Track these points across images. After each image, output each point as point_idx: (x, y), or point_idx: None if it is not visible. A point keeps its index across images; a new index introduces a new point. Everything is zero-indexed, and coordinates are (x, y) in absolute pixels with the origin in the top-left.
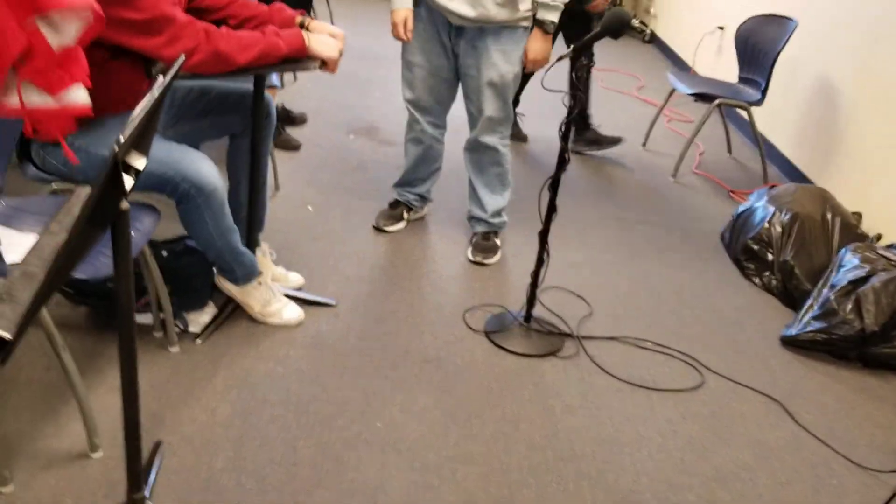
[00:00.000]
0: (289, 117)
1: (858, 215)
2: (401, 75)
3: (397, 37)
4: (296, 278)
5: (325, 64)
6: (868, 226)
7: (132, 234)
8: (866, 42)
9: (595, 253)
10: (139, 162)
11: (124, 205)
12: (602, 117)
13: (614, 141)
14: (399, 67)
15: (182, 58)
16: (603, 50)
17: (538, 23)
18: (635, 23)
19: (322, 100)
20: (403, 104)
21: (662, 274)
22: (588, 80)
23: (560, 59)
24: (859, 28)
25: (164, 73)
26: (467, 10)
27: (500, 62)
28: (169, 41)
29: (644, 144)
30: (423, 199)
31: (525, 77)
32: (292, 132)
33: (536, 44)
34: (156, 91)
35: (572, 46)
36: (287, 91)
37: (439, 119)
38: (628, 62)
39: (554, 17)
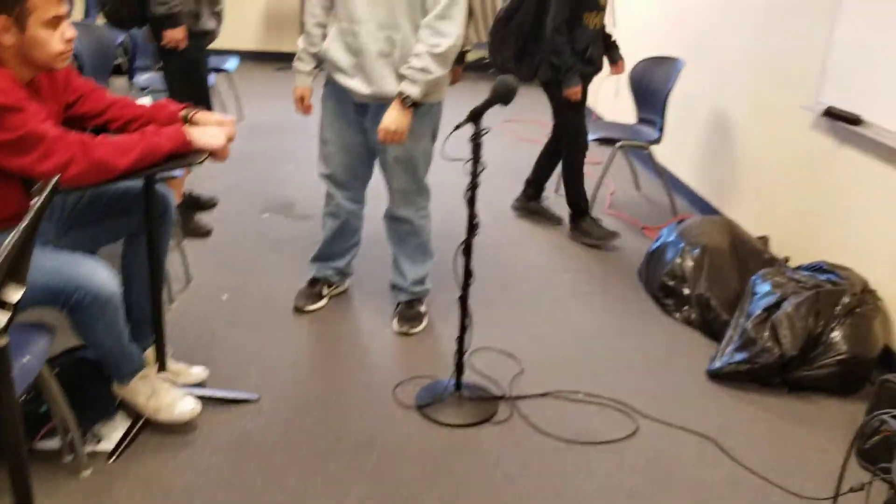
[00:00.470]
0: (197, 203)
1: (765, 239)
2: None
3: (298, 112)
4: (198, 372)
5: (214, 154)
6: (776, 248)
7: (27, 359)
8: (758, 75)
9: (520, 307)
10: (15, 293)
11: (2, 341)
12: (514, 165)
13: (554, 220)
14: (312, 138)
15: (57, 175)
16: (516, 101)
17: (399, 93)
18: None
19: (233, 179)
20: (318, 175)
21: (587, 320)
22: (577, 161)
23: (457, 127)
24: (750, 63)
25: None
26: (362, 88)
27: (410, 136)
28: (41, 157)
29: (557, 190)
30: (343, 273)
31: (550, 158)
32: (202, 217)
33: (392, 113)
34: (29, 214)
35: (468, 113)
36: (194, 175)
37: (357, 194)
38: (536, 111)
39: (415, 91)
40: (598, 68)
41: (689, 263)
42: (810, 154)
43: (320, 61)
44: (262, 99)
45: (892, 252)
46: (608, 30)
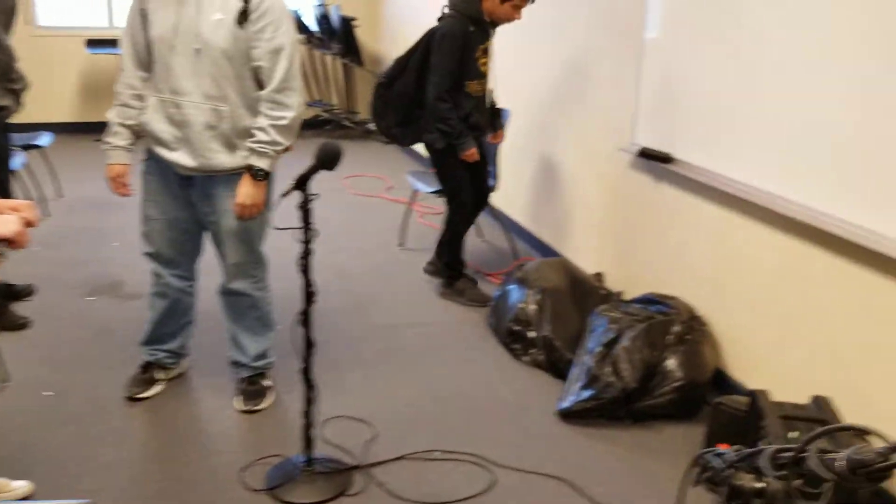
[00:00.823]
0: (11, 292)
1: (600, 276)
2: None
3: (116, 193)
4: (21, 486)
5: (10, 242)
6: (611, 283)
7: None
8: (579, 121)
9: (370, 368)
10: None
11: None
12: (355, 221)
13: (470, 284)
14: (135, 210)
15: None
16: (348, 157)
17: (249, 168)
18: (373, 126)
19: (52, 263)
20: (143, 255)
21: (440, 374)
22: (458, 223)
23: (284, 195)
24: (572, 110)
25: None
26: (188, 161)
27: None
28: None
29: (401, 244)
30: (178, 355)
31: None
32: (18, 308)
33: (245, 188)
34: None
35: (294, 181)
36: (9, 261)
37: (186, 271)
38: (373, 165)
39: (265, 164)
40: (483, 132)
41: (532, 307)
42: (631, 192)
43: (137, 135)
44: (81, 173)
45: (711, 278)
46: (493, 97)
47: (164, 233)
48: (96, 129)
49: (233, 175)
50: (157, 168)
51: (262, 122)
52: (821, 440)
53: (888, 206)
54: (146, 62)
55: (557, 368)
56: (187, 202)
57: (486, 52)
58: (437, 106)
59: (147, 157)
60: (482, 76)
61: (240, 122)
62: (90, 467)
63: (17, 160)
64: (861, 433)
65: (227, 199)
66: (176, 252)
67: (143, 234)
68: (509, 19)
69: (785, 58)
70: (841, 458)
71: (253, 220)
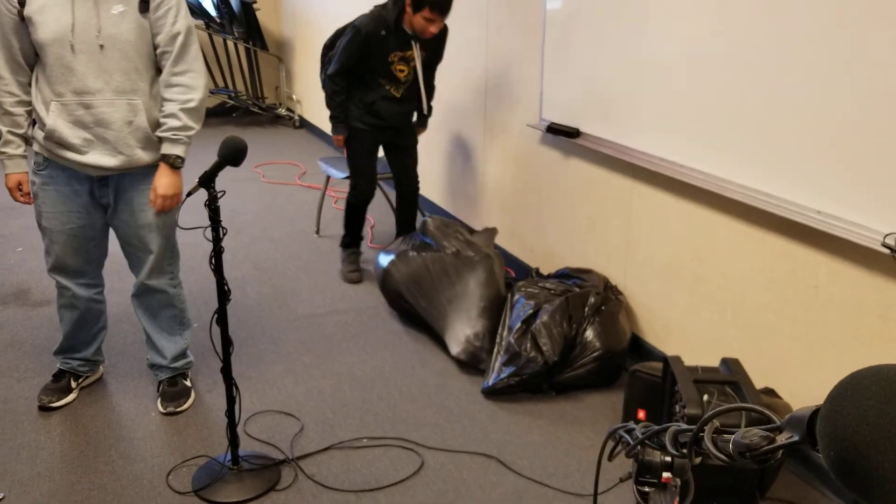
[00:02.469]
0: None
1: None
2: (45, 250)
3: (18, 201)
4: None
5: None
6: (526, 259)
7: None
8: (489, 99)
9: (292, 360)
10: None
11: None
12: (270, 211)
13: None
14: None
15: None
16: (258, 144)
17: (164, 157)
18: (282, 111)
19: None
20: (47, 271)
21: (362, 360)
22: (348, 201)
23: (189, 193)
24: (482, 88)
25: None
26: (107, 160)
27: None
28: None
29: (318, 231)
30: (92, 362)
31: (398, 205)
32: None
33: (164, 179)
34: None
35: (198, 179)
36: None
37: (93, 278)
38: (285, 151)
39: (180, 150)
40: (387, 123)
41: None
42: (541, 167)
43: (27, 142)
44: None
45: (623, 248)
46: (432, 96)
47: (69, 244)
48: None
49: (148, 168)
50: (58, 176)
51: (170, 107)
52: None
53: (783, 171)
54: (26, 67)
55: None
56: (93, 207)
57: (404, 61)
58: (328, 85)
59: (43, 167)
60: (397, 81)
61: (153, 114)
62: (6, 483)
63: None
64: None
65: (145, 192)
66: (82, 261)
67: (46, 250)
68: (423, 31)
69: (682, 29)
70: (731, 440)
71: (170, 212)
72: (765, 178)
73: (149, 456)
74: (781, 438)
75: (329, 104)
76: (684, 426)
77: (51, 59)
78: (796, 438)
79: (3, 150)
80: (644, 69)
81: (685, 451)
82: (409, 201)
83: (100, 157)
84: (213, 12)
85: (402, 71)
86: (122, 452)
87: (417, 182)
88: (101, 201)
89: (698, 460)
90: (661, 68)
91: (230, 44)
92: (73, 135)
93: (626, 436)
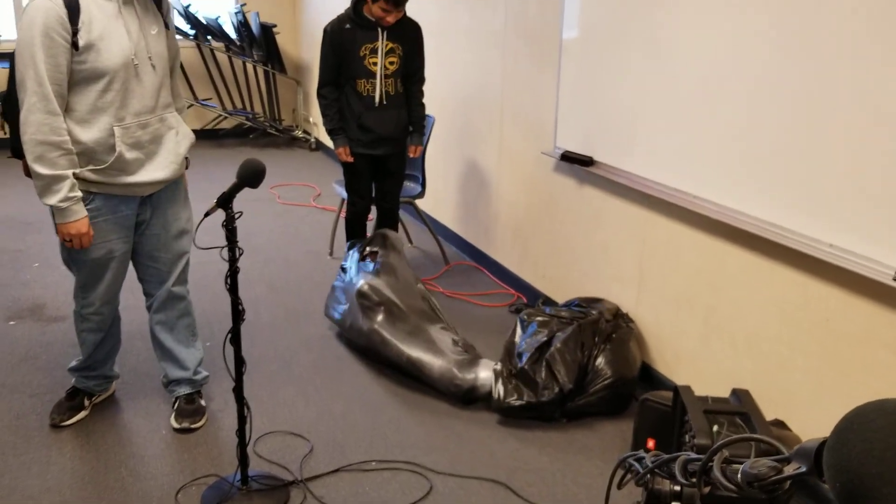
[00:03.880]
0: None
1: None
2: (78, 284)
3: (79, 248)
4: None
5: None
6: (536, 285)
7: None
8: (503, 126)
9: (304, 382)
10: None
11: None
12: (285, 232)
13: None
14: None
15: None
16: (274, 166)
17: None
18: (298, 133)
19: None
20: (68, 271)
21: (373, 383)
22: (347, 219)
23: (207, 214)
24: (496, 116)
25: None
26: (160, 174)
27: (186, 207)
28: None
29: (331, 253)
30: (108, 378)
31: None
32: None
33: (185, 180)
34: None
35: (216, 200)
36: None
37: (117, 297)
38: (301, 173)
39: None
40: (381, 137)
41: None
42: (555, 195)
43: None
44: None
45: (635, 277)
46: (420, 111)
47: (119, 272)
48: (2, 145)
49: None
50: (105, 206)
51: (182, 112)
52: (729, 448)
53: (795, 203)
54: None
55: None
56: (132, 228)
57: (375, 53)
58: (319, 102)
59: (89, 201)
60: (372, 75)
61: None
62: (14, 500)
63: None
64: (762, 443)
65: (176, 202)
66: (117, 287)
67: (83, 285)
68: (381, 19)
69: (697, 61)
70: (739, 470)
71: (192, 219)
72: (778, 210)
73: (159, 474)
74: (789, 469)
75: (324, 120)
76: (694, 455)
77: (116, 85)
78: (804, 469)
79: (72, 194)
80: (658, 100)
81: (694, 480)
82: (386, 218)
83: (153, 173)
84: (233, 35)
85: (374, 64)
86: (132, 470)
87: (398, 203)
88: (138, 220)
89: (707, 490)
90: (675, 99)
91: (249, 66)
92: (131, 157)
93: (636, 464)
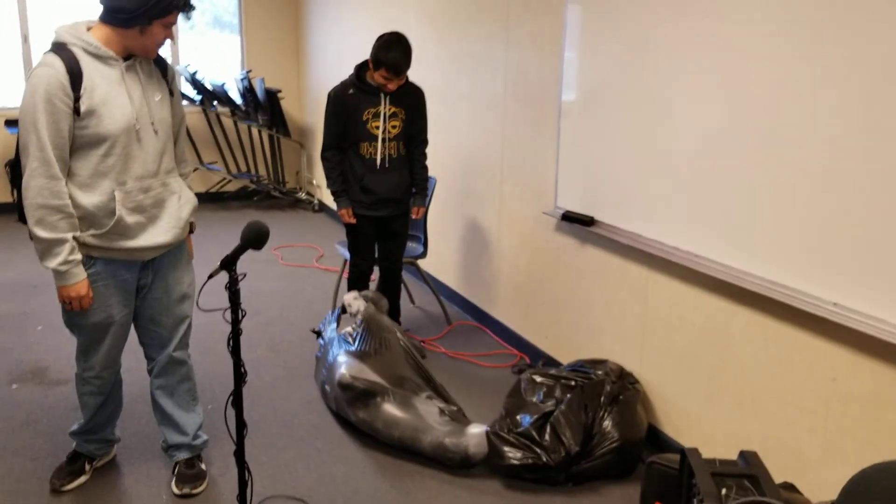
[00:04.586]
0: None
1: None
2: (80, 348)
3: (78, 310)
4: None
5: None
6: (540, 345)
7: None
8: (504, 187)
9: (305, 445)
10: None
11: None
12: (287, 292)
13: (420, 355)
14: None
15: None
16: (277, 227)
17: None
18: (302, 195)
19: None
20: (70, 334)
21: (376, 446)
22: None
23: (211, 276)
24: (497, 175)
25: None
26: (162, 238)
27: (188, 272)
28: None
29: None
30: (108, 441)
31: (382, 282)
32: None
33: (189, 244)
34: None
35: (220, 262)
36: None
37: (118, 361)
38: (304, 234)
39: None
40: (383, 198)
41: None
42: (556, 254)
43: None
44: (1, 254)
45: (639, 337)
46: (423, 174)
47: (119, 336)
48: (11, 210)
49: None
50: (105, 270)
51: (186, 178)
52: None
53: (798, 263)
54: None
55: None
56: (133, 293)
57: (378, 117)
58: (323, 165)
59: (89, 265)
60: (374, 138)
61: (183, 186)
62: None
63: None
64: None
65: (178, 266)
66: (118, 351)
67: (84, 350)
68: (383, 87)
69: (696, 120)
70: None
71: (194, 283)
72: (780, 269)
73: None
74: None
75: (327, 182)
76: None
77: (117, 149)
78: None
79: (72, 257)
80: (658, 159)
81: None
82: (389, 278)
83: (154, 237)
84: (239, 100)
85: (377, 128)
86: None
87: (401, 264)
88: (139, 284)
89: None
90: (674, 158)
91: (254, 130)
92: (132, 221)
93: None
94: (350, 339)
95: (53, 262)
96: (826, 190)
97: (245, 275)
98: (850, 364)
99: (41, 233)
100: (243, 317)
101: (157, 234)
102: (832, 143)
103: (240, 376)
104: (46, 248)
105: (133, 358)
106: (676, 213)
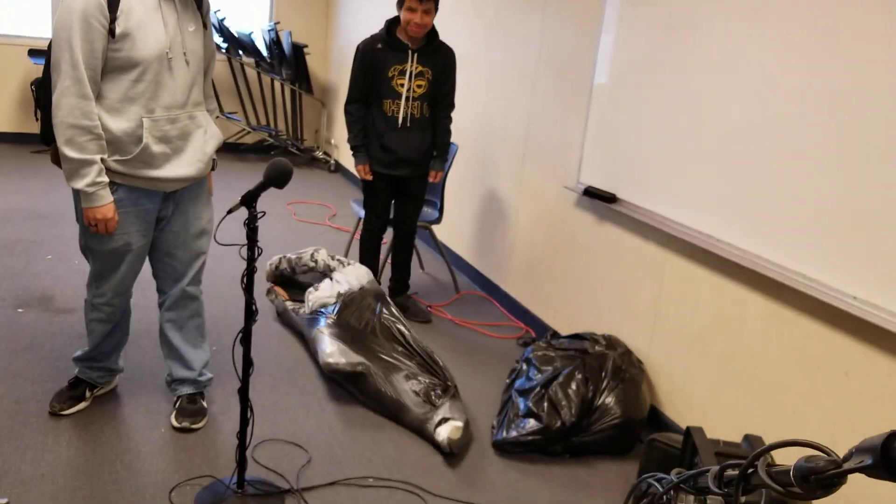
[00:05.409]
0: None
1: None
2: (93, 273)
3: (103, 233)
4: None
5: None
6: (551, 321)
7: None
8: (526, 159)
9: (307, 393)
10: None
11: None
12: (299, 247)
13: (421, 316)
14: (71, 224)
15: None
16: (293, 183)
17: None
18: (319, 154)
19: None
20: (79, 263)
21: None
22: (362, 239)
23: (230, 211)
24: (519, 148)
25: None
26: (186, 171)
27: (207, 207)
28: None
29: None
30: (111, 371)
31: (394, 247)
32: None
33: (210, 181)
34: None
35: (241, 197)
36: None
37: (130, 290)
38: (318, 192)
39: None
40: (401, 158)
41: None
42: (574, 230)
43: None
44: (15, 183)
45: (650, 317)
46: (446, 138)
47: (135, 265)
48: (34, 140)
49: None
50: (128, 198)
51: (213, 114)
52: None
53: (821, 253)
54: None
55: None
56: (153, 223)
57: (403, 74)
58: (346, 117)
59: (113, 191)
60: (398, 96)
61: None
62: (8, 482)
63: None
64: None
65: (198, 201)
66: (132, 279)
67: (98, 275)
68: (408, 24)
69: (726, 107)
70: (789, 469)
71: (212, 218)
72: (801, 259)
73: (153, 471)
74: (851, 463)
75: (349, 136)
76: (733, 461)
77: (148, 76)
78: (869, 462)
79: (99, 179)
80: (685, 143)
81: (729, 489)
82: (404, 239)
83: (178, 169)
84: (264, 52)
85: (401, 85)
86: (128, 464)
87: (415, 226)
88: (159, 216)
89: (744, 500)
90: (701, 143)
91: (277, 84)
92: (158, 150)
93: (657, 484)
94: (327, 317)
95: (81, 183)
96: (852, 183)
97: (265, 213)
98: (864, 359)
99: (70, 153)
100: (259, 255)
101: (181, 167)
102: (861, 133)
103: (251, 314)
104: (75, 169)
105: (142, 295)
106: (698, 196)
